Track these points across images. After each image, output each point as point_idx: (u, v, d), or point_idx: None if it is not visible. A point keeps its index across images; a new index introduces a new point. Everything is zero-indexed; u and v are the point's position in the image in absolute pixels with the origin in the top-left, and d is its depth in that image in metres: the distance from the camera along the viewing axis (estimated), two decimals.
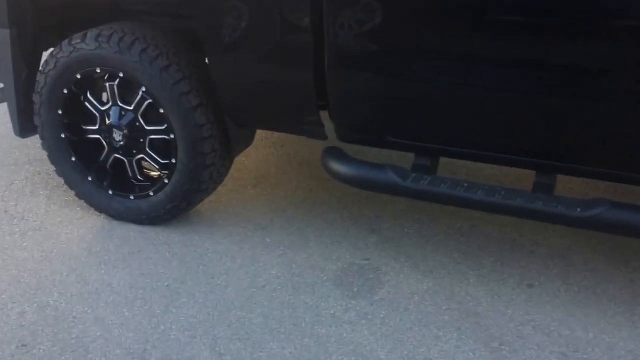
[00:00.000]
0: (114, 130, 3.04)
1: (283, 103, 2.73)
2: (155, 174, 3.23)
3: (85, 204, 3.31)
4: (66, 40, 2.99)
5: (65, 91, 3.05)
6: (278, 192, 3.55)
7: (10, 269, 2.90)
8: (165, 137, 2.98)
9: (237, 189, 3.56)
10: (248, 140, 3.12)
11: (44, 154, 3.27)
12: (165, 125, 2.94)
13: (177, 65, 2.87)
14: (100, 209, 3.26)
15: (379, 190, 2.70)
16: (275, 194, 3.53)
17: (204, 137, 2.91)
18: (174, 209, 3.10)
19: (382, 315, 2.63)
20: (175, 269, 2.91)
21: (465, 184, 2.57)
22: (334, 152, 2.82)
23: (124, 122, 3.02)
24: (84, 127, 3.16)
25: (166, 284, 2.81)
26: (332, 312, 2.64)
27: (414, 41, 2.41)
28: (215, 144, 2.97)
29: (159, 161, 3.07)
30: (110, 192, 3.19)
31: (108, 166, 3.21)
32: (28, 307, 2.69)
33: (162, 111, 2.90)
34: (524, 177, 3.56)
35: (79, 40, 2.93)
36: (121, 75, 2.90)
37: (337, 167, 2.75)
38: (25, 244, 3.09)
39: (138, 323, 2.60)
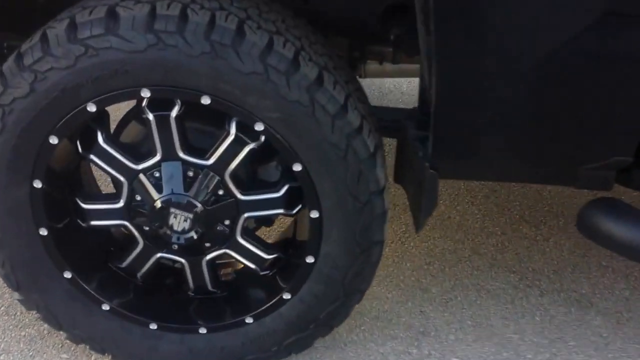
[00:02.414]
0: (172, 210, 1.45)
1: (584, 127, 1.38)
2: (227, 271, 1.70)
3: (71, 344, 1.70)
4: (52, 32, 1.31)
5: (55, 140, 1.38)
6: None
7: None
8: (282, 212, 1.48)
9: None
10: None
11: None
12: (283, 189, 1.44)
13: (327, 71, 1.37)
14: (127, 356, 1.65)
15: None
16: None
17: (385, 209, 1.45)
18: (304, 340, 1.63)
19: None
20: None
21: None
22: (624, 211, 1.53)
23: (197, 192, 1.44)
24: (86, 205, 1.52)
25: None
26: None
27: None
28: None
29: (261, 258, 1.55)
30: (155, 327, 1.59)
31: (139, 276, 1.60)
32: None
33: (298, 167, 1.38)
34: None
35: (101, 31, 1.28)
36: (205, 101, 1.32)
37: None
38: None
39: None
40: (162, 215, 1.48)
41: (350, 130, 1.36)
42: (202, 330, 1.61)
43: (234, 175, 1.47)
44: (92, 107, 1.36)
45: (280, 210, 1.52)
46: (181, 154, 1.45)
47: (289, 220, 1.84)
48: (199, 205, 1.47)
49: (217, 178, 1.46)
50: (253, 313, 1.59)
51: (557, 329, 1.91)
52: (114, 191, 1.55)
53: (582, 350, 1.83)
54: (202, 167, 1.46)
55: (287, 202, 1.51)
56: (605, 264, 2.18)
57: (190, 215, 1.47)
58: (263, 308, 1.58)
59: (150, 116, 1.41)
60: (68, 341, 1.77)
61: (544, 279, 2.10)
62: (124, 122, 1.56)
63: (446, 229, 2.30)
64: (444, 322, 1.91)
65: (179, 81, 1.31)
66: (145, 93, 1.34)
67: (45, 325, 1.83)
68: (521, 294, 2.04)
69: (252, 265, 1.59)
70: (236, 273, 1.74)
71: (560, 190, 2.50)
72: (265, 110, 1.33)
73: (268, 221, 1.65)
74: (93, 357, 1.74)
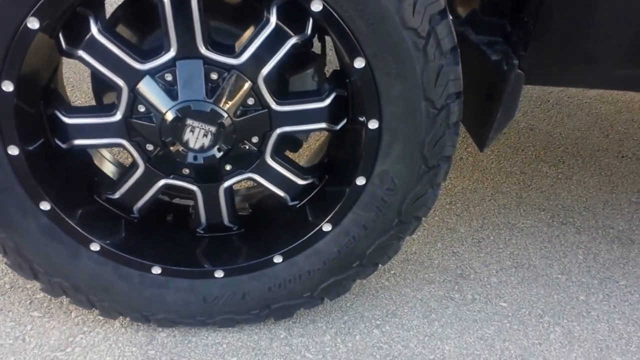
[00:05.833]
0: (189, 122, 1.14)
1: None
2: (242, 205, 1.41)
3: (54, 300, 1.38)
4: None
5: (36, 24, 1.04)
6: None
7: None
8: (324, 127, 1.19)
9: None
10: None
11: None
12: (330, 98, 1.18)
13: None
14: (124, 309, 1.33)
15: None
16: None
17: (460, 117, 1.18)
18: (343, 283, 1.35)
19: None
20: None
21: None
22: None
23: (222, 99, 1.13)
24: (69, 120, 1.18)
25: None
26: None
27: None
28: None
29: (294, 185, 1.26)
30: (158, 271, 1.27)
31: (136, 209, 1.27)
32: None
33: (360, 63, 1.10)
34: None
35: None
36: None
37: None
38: None
39: None
40: (175, 129, 1.16)
41: (436, 10, 1.06)
42: (219, 274, 1.30)
43: (270, 80, 1.15)
44: None
45: (323, 125, 1.22)
46: (203, 50, 1.12)
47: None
48: (225, 115, 1.15)
49: (249, 82, 1.14)
50: (283, 250, 1.29)
51: (604, 267, 1.70)
52: (108, 102, 1.21)
53: (636, 290, 1.62)
54: (230, 67, 1.13)
55: (332, 114, 1.21)
56: (635, 200, 1.99)
57: (213, 129, 1.15)
58: (296, 244, 1.28)
59: None
60: (39, 296, 1.45)
61: (577, 216, 1.89)
62: (124, 8, 1.21)
63: (461, 169, 2.07)
64: (482, 264, 1.67)
65: None
66: None
67: (7, 278, 1.49)
68: (557, 231, 1.82)
69: (281, 193, 1.29)
70: (252, 206, 1.43)
71: (571, 131, 2.31)
72: None
73: (295, 144, 1.34)
74: (73, 314, 1.42)
